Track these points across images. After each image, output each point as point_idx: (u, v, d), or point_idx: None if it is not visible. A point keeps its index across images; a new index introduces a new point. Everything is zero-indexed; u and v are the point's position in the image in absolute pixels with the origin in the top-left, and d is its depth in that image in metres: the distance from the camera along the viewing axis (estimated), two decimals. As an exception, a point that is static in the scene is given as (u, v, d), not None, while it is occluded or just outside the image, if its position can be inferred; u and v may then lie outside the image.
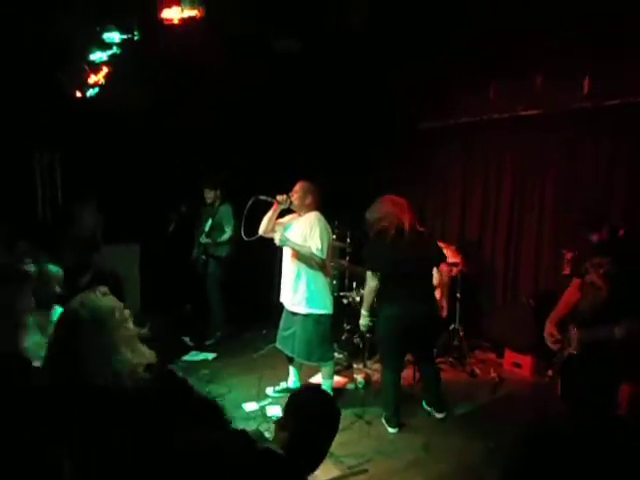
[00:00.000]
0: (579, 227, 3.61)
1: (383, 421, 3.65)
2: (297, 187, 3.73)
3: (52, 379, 1.56)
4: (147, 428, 1.47)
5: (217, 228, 5.16)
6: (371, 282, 3.56)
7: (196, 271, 5.33)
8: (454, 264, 4.68)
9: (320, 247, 3.58)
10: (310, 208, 3.72)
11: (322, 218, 3.72)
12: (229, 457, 1.42)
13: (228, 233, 5.11)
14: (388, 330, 3.55)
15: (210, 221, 5.18)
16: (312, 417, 1.64)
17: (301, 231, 3.67)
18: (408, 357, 4.72)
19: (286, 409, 1.68)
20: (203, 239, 5.21)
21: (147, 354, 1.69)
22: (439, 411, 3.78)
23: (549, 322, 2.94)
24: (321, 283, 3.71)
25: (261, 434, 1.65)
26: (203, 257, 5.25)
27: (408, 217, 3.44)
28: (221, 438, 1.50)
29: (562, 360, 2.83)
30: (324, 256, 3.62)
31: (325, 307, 3.72)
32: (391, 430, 3.58)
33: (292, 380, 4.09)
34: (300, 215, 3.76)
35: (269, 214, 3.73)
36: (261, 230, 3.75)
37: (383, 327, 3.59)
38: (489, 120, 5.10)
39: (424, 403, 3.89)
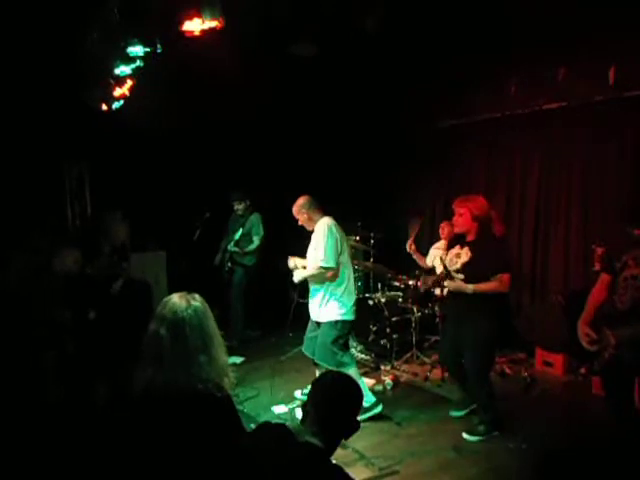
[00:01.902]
0: (619, 223, 3.47)
1: (485, 427, 3.46)
2: (294, 212, 3.75)
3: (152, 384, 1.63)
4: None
5: (246, 237, 5.30)
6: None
7: (220, 277, 5.43)
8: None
9: (324, 256, 3.53)
10: (315, 219, 3.70)
11: (326, 221, 3.66)
12: (272, 453, 1.50)
13: (256, 243, 5.25)
14: (497, 334, 3.49)
15: (240, 230, 5.31)
16: (332, 391, 1.70)
17: (314, 245, 3.69)
18: (436, 357, 4.70)
19: (310, 393, 1.73)
20: (231, 247, 5.33)
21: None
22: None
23: (581, 323, 2.86)
24: (339, 293, 3.66)
25: (300, 427, 1.69)
26: (229, 264, 5.36)
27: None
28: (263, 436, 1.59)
29: (604, 362, 2.72)
30: (331, 264, 3.54)
31: (341, 314, 3.66)
32: (497, 433, 3.46)
33: None
34: (314, 230, 3.76)
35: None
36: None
37: (496, 330, 3.46)
38: (512, 115, 5.03)
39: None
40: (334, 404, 1.66)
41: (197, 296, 1.79)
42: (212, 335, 1.72)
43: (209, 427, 1.59)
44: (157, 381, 1.62)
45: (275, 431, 1.67)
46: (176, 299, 1.73)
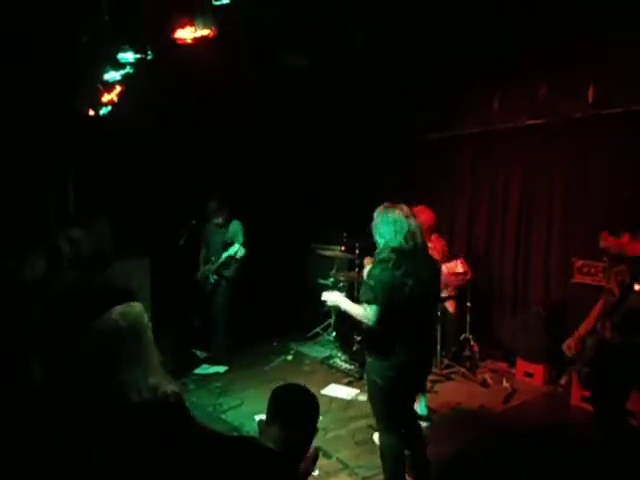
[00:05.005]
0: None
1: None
2: None
3: (82, 393, 1.60)
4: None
5: (229, 246, 5.14)
6: (373, 318, 2.58)
7: (203, 290, 5.32)
8: (464, 273, 4.72)
9: None
10: None
11: None
12: (233, 458, 1.55)
13: (241, 252, 5.08)
14: (398, 382, 2.69)
15: (229, 250, 5.14)
16: (296, 409, 1.74)
17: None
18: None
19: (270, 407, 1.77)
20: (219, 258, 5.18)
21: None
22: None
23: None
24: None
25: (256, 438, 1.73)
26: (215, 277, 5.25)
27: (421, 231, 2.73)
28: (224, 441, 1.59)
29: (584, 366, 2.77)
30: None
31: None
32: None
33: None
34: None
35: None
36: None
37: (390, 379, 2.67)
38: (494, 130, 5.15)
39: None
40: (289, 415, 1.70)
41: (136, 304, 1.77)
42: (146, 344, 1.68)
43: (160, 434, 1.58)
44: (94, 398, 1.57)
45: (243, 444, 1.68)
46: (105, 314, 1.70)
